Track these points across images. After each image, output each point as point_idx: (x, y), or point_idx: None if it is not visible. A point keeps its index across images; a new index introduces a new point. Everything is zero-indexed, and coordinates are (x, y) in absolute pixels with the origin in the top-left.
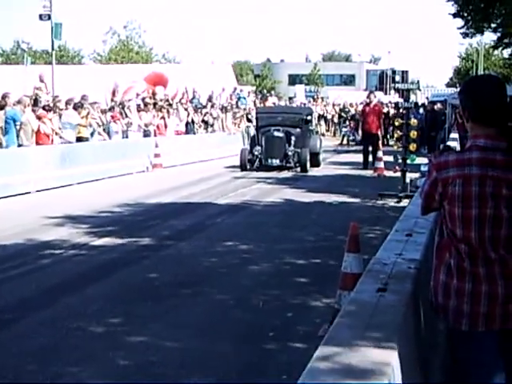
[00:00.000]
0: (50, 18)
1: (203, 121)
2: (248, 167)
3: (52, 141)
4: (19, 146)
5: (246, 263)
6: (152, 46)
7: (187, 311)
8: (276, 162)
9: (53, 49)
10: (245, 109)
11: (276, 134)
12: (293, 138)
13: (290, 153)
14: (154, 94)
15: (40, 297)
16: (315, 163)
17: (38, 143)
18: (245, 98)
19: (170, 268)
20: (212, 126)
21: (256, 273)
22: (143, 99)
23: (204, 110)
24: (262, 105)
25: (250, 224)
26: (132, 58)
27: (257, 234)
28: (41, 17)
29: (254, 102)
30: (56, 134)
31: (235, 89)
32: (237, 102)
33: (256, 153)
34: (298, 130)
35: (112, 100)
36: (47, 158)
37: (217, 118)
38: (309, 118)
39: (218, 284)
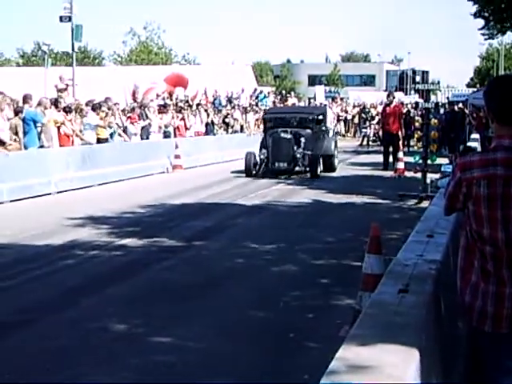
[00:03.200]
0: (70, 19)
1: (224, 122)
2: (254, 172)
3: (72, 142)
4: (40, 147)
5: (267, 264)
6: (172, 47)
7: (208, 312)
8: (283, 165)
9: (73, 50)
10: (265, 109)
11: (283, 135)
12: (302, 140)
13: (298, 155)
14: (170, 94)
15: (61, 298)
16: (329, 167)
17: (59, 145)
18: (265, 98)
19: (191, 269)
20: (232, 126)
21: (277, 273)
22: (163, 100)
23: (224, 111)
24: (281, 106)
25: (270, 225)
26: (152, 59)
27: (278, 234)
28: (61, 19)
29: (274, 102)
30: (77, 135)
31: (255, 89)
32: (257, 103)
33: (262, 156)
34: (309, 130)
35: (135, 101)
36: (68, 160)
37: (237, 118)
38: (320, 117)
39: (239, 285)
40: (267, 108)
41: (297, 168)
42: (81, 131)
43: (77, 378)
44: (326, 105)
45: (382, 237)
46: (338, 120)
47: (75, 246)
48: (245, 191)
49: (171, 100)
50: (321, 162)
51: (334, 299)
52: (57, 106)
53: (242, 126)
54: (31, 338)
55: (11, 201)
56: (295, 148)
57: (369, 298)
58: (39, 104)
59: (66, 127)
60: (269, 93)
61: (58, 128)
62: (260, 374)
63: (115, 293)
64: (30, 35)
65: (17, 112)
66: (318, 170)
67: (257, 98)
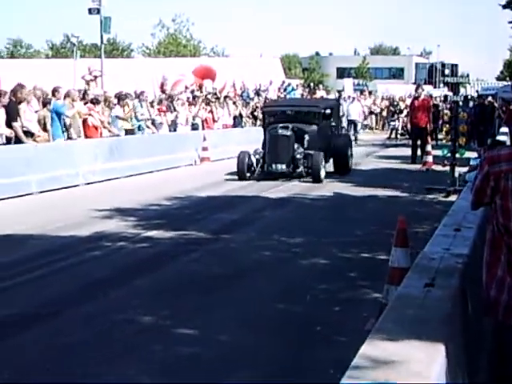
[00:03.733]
0: (99, 11)
1: (252, 114)
2: (248, 175)
3: (101, 134)
4: (68, 139)
5: (294, 257)
6: (200, 40)
7: (234, 304)
8: (281, 167)
9: (102, 42)
10: (264, 102)
11: (281, 132)
12: (306, 138)
13: (299, 156)
14: (200, 86)
15: (87, 289)
16: (342, 168)
17: (86, 136)
18: (294, 90)
19: (218, 261)
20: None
21: (304, 266)
22: (192, 92)
23: (252, 103)
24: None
25: (297, 217)
26: (180, 51)
27: (304, 227)
28: (90, 11)
29: (302, 95)
30: (105, 127)
31: (283, 82)
32: (285, 96)
33: (257, 156)
34: (314, 127)
35: (163, 93)
36: (96, 151)
37: None
38: (328, 111)
39: (266, 277)
40: (267, 100)
41: (298, 170)
42: (109, 123)
43: (100, 371)
44: (353, 97)
45: (409, 230)
46: (370, 113)
47: (102, 238)
48: (272, 184)
49: (201, 92)
50: (330, 163)
51: (361, 292)
52: (85, 98)
53: None
54: (56, 330)
55: (40, 192)
56: (296, 147)
57: (395, 292)
58: (67, 96)
59: (94, 119)
60: (297, 85)
61: (85, 120)
62: (285, 367)
63: (142, 285)
64: (60, 27)
65: (45, 104)
66: (322, 174)
67: (285, 90)
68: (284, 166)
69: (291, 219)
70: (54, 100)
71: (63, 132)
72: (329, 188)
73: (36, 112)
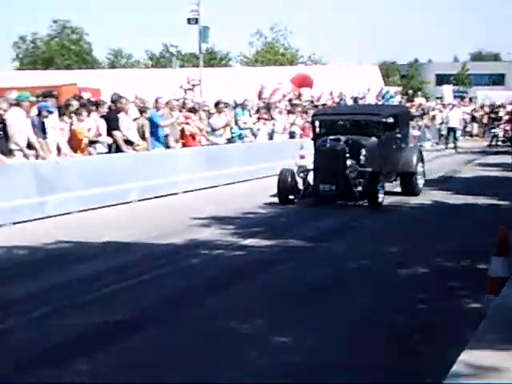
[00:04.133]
0: (197, 21)
1: None
2: (291, 198)
3: (199, 142)
4: (167, 147)
5: (394, 265)
6: (298, 48)
7: (334, 312)
8: (329, 188)
9: (200, 52)
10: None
11: (330, 145)
12: (362, 152)
13: (352, 174)
14: (299, 95)
15: (184, 296)
16: (409, 188)
17: (184, 145)
18: (392, 98)
19: (317, 269)
20: None
21: (404, 275)
22: (290, 100)
23: None
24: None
25: (395, 226)
26: (278, 59)
27: (403, 235)
28: (189, 21)
29: (400, 102)
30: (203, 135)
31: (381, 89)
32: (383, 103)
33: (302, 175)
34: (374, 139)
35: (261, 100)
36: (194, 160)
37: None
38: (390, 120)
39: (366, 285)
40: (317, 109)
41: (350, 192)
42: (207, 132)
43: (199, 377)
44: (453, 104)
45: (510, 239)
46: (473, 119)
47: (199, 246)
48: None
49: (300, 101)
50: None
51: (461, 302)
52: (183, 107)
53: None
54: (154, 337)
55: (139, 200)
56: (349, 164)
57: (495, 301)
58: (167, 104)
59: (192, 127)
60: (395, 93)
61: (182, 128)
62: (384, 374)
63: (240, 292)
64: (159, 37)
65: (141, 112)
66: (380, 196)
67: (383, 97)
68: (333, 187)
69: (389, 227)
70: (153, 109)
71: (161, 141)
72: (428, 196)
73: (134, 120)
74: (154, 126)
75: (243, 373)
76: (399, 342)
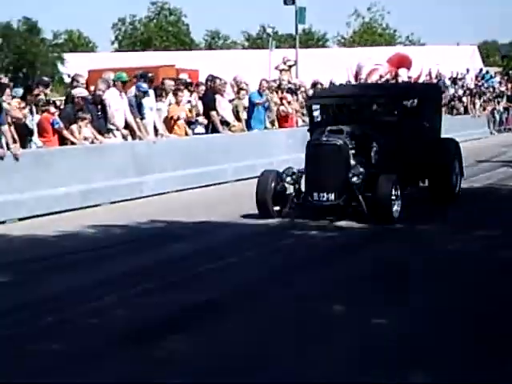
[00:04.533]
0: (294, 2)
1: (449, 103)
2: (275, 209)
3: (296, 123)
4: (265, 128)
5: (489, 250)
6: (396, 29)
7: (424, 297)
8: (326, 197)
9: (296, 33)
10: (494, 90)
11: (327, 139)
12: (374, 148)
13: (356, 180)
14: (396, 75)
15: (275, 276)
16: (441, 192)
17: (281, 126)
18: (492, 79)
19: (408, 251)
20: (458, 109)
21: (499, 259)
22: (387, 81)
23: (447, 93)
24: (508, 88)
25: (493, 210)
26: (375, 40)
27: (499, 221)
28: (286, 1)
29: (500, 83)
30: (299, 116)
31: (481, 69)
32: (483, 84)
33: (289, 180)
34: (389, 129)
35: (358, 81)
36: (288, 141)
37: (462, 100)
38: (414, 102)
39: (457, 269)
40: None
41: (351, 203)
42: (303, 114)
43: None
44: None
45: None
46: None
47: (293, 226)
48: (468, 173)
49: (396, 81)
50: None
51: None
52: (279, 88)
53: (465, 108)
54: (250, 314)
55: (235, 180)
56: (353, 164)
57: None
58: (259, 85)
59: (286, 108)
60: (495, 73)
61: (277, 109)
62: (485, 374)
63: (329, 274)
64: (256, 18)
65: (238, 93)
66: (395, 209)
67: (483, 78)
68: (331, 197)
69: (485, 212)
70: (249, 90)
71: (262, 122)
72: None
73: (230, 102)
74: (252, 107)
75: (330, 355)
76: (501, 339)
